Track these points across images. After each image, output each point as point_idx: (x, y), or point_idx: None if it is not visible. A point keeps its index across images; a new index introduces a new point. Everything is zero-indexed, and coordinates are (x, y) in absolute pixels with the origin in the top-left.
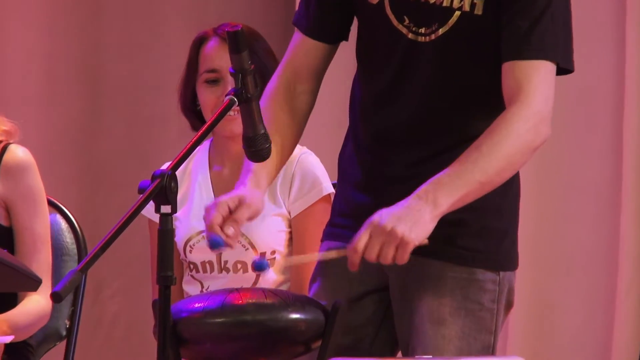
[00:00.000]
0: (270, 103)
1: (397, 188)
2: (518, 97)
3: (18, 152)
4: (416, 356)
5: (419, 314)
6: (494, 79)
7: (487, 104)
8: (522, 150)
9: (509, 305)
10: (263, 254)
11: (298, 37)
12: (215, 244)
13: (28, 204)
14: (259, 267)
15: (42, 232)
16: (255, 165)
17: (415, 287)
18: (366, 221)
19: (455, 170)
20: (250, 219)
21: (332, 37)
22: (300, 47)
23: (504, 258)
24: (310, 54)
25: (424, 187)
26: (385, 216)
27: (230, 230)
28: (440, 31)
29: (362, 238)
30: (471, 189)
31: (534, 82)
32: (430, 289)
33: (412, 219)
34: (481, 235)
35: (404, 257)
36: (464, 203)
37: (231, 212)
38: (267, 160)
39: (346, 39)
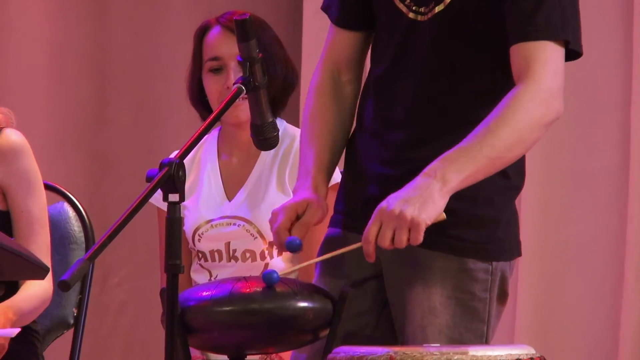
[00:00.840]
0: (319, 98)
1: (393, 172)
2: (526, 74)
3: (11, 136)
4: (425, 344)
5: (410, 303)
6: (492, 61)
7: (484, 87)
8: (532, 126)
9: (503, 294)
10: (272, 243)
11: (332, 29)
12: (294, 248)
13: (23, 187)
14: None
15: (39, 214)
16: (314, 168)
17: (406, 276)
18: (375, 210)
19: (464, 147)
20: (319, 222)
21: (360, 24)
22: (335, 39)
23: (497, 248)
24: (345, 44)
25: (432, 165)
26: (392, 201)
27: (298, 233)
28: (437, 9)
29: (372, 227)
30: (481, 165)
31: (542, 59)
32: (421, 279)
33: (420, 198)
34: (472, 225)
35: (418, 238)
36: (476, 180)
37: (298, 216)
38: (325, 159)
39: (374, 26)
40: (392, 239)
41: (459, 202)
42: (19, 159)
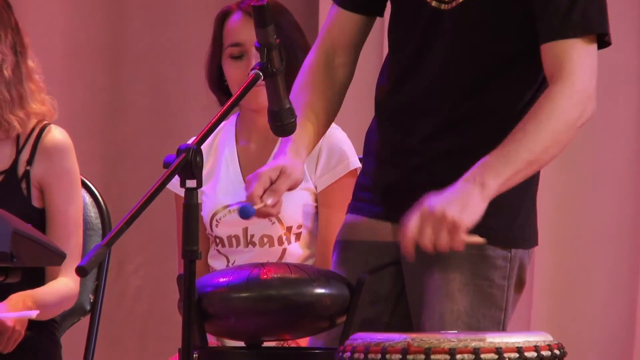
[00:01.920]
0: (309, 75)
1: (415, 159)
2: (560, 74)
3: (56, 134)
4: (442, 331)
5: (428, 289)
6: (514, 50)
7: (507, 76)
8: (567, 128)
9: (521, 282)
10: (290, 228)
11: (333, 10)
12: (245, 213)
13: (63, 187)
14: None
15: (76, 216)
16: (295, 135)
17: (425, 262)
18: (416, 209)
19: (502, 151)
20: (290, 189)
21: (365, 8)
22: (335, 20)
23: (516, 235)
24: (346, 26)
25: (471, 170)
26: (434, 202)
27: (269, 200)
28: None
29: (413, 227)
30: (519, 168)
31: (576, 58)
32: (439, 265)
33: (462, 202)
34: (492, 212)
35: (458, 242)
36: (513, 183)
37: (272, 183)
38: (308, 128)
39: (381, 13)
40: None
41: None
42: (62, 159)
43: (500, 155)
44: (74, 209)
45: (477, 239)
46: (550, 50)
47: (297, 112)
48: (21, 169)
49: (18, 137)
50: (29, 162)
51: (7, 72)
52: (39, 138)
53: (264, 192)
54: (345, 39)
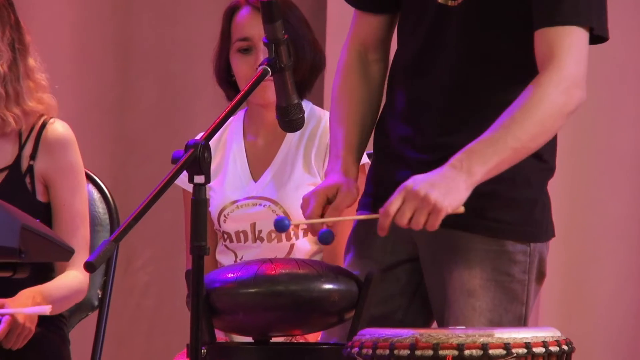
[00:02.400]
0: (345, 78)
1: (425, 156)
2: (550, 62)
3: (58, 128)
4: (449, 327)
5: (450, 285)
6: (523, 44)
7: (516, 71)
8: (554, 115)
9: (541, 275)
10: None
11: (356, 14)
12: (328, 240)
13: (67, 180)
14: (280, 226)
15: (81, 209)
16: (344, 151)
17: (445, 259)
18: (399, 186)
19: (488, 138)
20: (349, 205)
21: (381, 8)
22: (359, 22)
23: (534, 229)
24: (370, 26)
25: (457, 156)
26: (418, 182)
27: (331, 217)
28: None
29: (394, 202)
30: (505, 156)
31: (565, 46)
32: (460, 261)
33: (446, 186)
34: (510, 207)
35: (435, 224)
36: (499, 170)
37: (329, 201)
38: (353, 142)
39: (399, 9)
40: (410, 219)
41: (497, 184)
42: (65, 153)
43: (487, 143)
44: (80, 202)
45: (459, 209)
46: (541, 37)
47: (340, 124)
48: (25, 164)
49: (20, 132)
50: (32, 156)
51: (2, 68)
52: (41, 132)
53: (323, 211)
54: (372, 38)
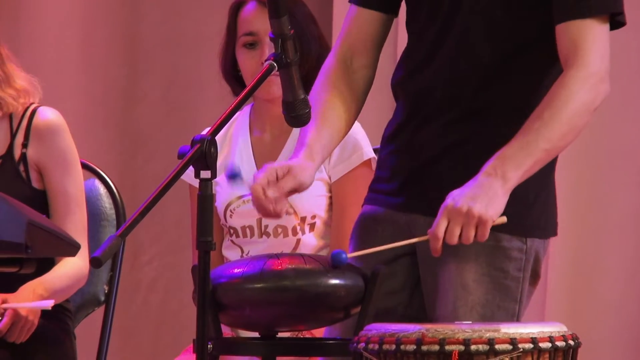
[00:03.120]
0: (327, 80)
1: (434, 148)
2: (575, 58)
3: (47, 114)
4: (456, 322)
5: (443, 279)
6: (535, 34)
7: (527, 62)
8: (582, 113)
9: (535, 275)
10: (304, 219)
11: (352, 10)
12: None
13: (60, 166)
14: (337, 260)
15: (76, 193)
16: (310, 139)
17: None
18: (441, 206)
19: (519, 142)
20: (294, 191)
21: (384, 5)
22: (354, 20)
23: (532, 224)
24: (365, 25)
25: (491, 163)
26: (458, 198)
27: (270, 192)
28: None
29: (440, 224)
30: (538, 158)
31: (589, 41)
32: (454, 255)
33: (486, 196)
34: (507, 200)
35: (485, 235)
36: (532, 172)
37: (278, 179)
38: (324, 134)
39: (397, 12)
40: (459, 235)
41: None
42: (55, 138)
43: (520, 146)
44: (74, 187)
45: (501, 220)
46: (565, 32)
47: (313, 119)
48: (17, 152)
49: (11, 121)
50: (24, 144)
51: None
52: (31, 120)
53: (268, 184)
54: (365, 40)
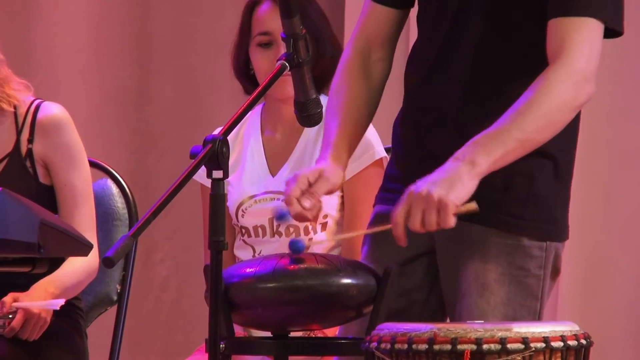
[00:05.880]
0: (345, 73)
1: (446, 149)
2: (560, 55)
3: (52, 109)
4: (467, 321)
5: (464, 279)
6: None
7: (539, 61)
8: (561, 109)
9: (556, 271)
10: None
11: (367, 4)
12: (280, 217)
13: (66, 160)
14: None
15: (83, 187)
16: (335, 138)
17: (460, 252)
18: (403, 193)
19: (493, 130)
20: (329, 192)
21: (398, 1)
22: (370, 15)
23: (552, 228)
24: (380, 20)
25: (462, 149)
26: (420, 183)
27: (307, 202)
28: None
29: (401, 210)
30: (510, 148)
31: (576, 40)
32: (475, 255)
33: (448, 180)
34: (528, 203)
35: (448, 221)
36: (506, 162)
37: (311, 185)
38: (347, 132)
39: (412, 4)
40: (423, 221)
41: (511, 177)
42: (60, 133)
43: (492, 135)
44: (80, 181)
45: (470, 206)
46: (554, 28)
47: (335, 115)
48: (24, 149)
49: (16, 118)
50: (30, 140)
51: None
52: (35, 115)
53: (302, 193)
54: (380, 34)
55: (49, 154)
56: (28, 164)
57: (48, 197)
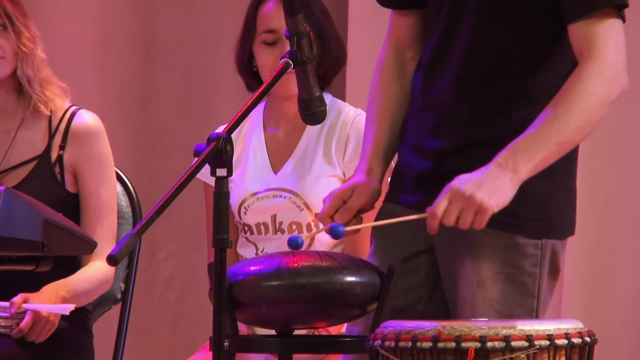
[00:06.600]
0: (382, 72)
1: (448, 148)
2: (589, 52)
3: (87, 118)
4: (472, 319)
5: (460, 277)
6: (544, 34)
7: (539, 61)
8: (598, 106)
9: (555, 269)
10: (318, 215)
11: (391, 14)
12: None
13: (95, 170)
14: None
15: (109, 199)
16: (370, 149)
17: (457, 250)
18: (445, 186)
19: (532, 134)
20: (364, 207)
21: (412, 4)
22: (394, 20)
23: (547, 226)
24: (405, 23)
25: (502, 154)
26: (464, 182)
27: (340, 219)
28: None
29: (441, 203)
30: (550, 152)
31: (601, 35)
32: (470, 253)
33: (492, 185)
34: (522, 201)
35: (482, 223)
36: (545, 166)
37: (345, 202)
38: (382, 142)
39: (425, 5)
40: (457, 218)
41: None
42: (93, 143)
43: (531, 139)
44: (107, 192)
45: None
46: (577, 30)
47: (371, 125)
48: (54, 154)
49: (50, 122)
50: (62, 147)
51: (41, 54)
52: (70, 122)
53: (336, 211)
54: (409, 35)
55: (79, 162)
56: (57, 169)
57: (72, 205)
